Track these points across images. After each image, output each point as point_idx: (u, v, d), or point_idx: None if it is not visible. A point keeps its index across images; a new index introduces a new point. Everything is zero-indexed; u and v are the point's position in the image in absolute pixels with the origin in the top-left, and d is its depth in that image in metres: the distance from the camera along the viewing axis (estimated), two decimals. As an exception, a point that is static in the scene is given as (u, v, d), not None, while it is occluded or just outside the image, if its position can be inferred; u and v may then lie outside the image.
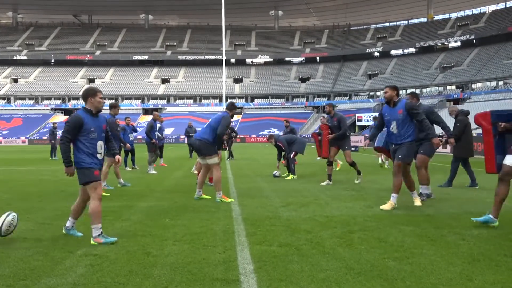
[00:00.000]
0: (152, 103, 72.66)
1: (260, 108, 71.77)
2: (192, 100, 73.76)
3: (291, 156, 11.11)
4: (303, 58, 79.29)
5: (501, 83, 56.28)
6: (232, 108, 7.53)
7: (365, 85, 69.31)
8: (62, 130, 4.83)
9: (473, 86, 59.27)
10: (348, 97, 69.39)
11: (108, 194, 7.93)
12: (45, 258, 3.91)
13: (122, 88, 73.68)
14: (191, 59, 78.40)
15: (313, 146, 13.49)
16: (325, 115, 10.58)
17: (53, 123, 22.74)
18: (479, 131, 5.68)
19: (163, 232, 4.89)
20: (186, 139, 23.18)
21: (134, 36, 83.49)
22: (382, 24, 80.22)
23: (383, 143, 7.21)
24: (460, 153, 8.94)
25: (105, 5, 78.89)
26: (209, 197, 7.41)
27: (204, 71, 77.75)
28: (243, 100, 72.79)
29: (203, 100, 73.79)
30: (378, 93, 64.74)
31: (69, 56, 77.97)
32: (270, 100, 73.18)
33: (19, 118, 67.25)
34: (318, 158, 14.94)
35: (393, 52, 74.14)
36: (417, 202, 6.60)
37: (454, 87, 61.13)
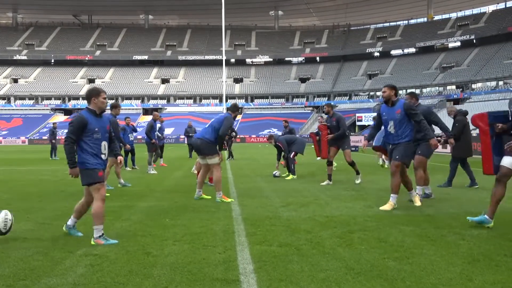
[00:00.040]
0: (152, 103, 72.67)
1: (260, 108, 71.79)
2: (192, 100, 73.78)
3: (291, 156, 11.12)
4: (303, 58, 79.31)
5: (501, 83, 56.31)
6: (235, 109, 7.54)
7: (365, 85, 69.33)
8: (66, 131, 4.79)
9: (473, 86, 59.29)
10: (348, 97, 69.42)
11: (108, 194, 7.90)
12: (45, 258, 3.91)
13: (122, 88, 73.67)
14: (191, 59, 78.42)
15: (312, 146, 13.51)
16: (323, 116, 10.59)
17: (53, 123, 22.77)
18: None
19: (163, 232, 4.89)
20: (186, 139, 23.17)
21: (134, 36, 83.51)
22: (382, 24, 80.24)
23: (381, 142, 7.19)
24: (459, 153, 8.93)
25: (105, 5, 78.91)
26: (209, 197, 7.41)
27: (204, 71, 77.77)
28: (243, 100, 72.75)
29: (203, 100, 73.81)
30: (378, 93, 64.57)
31: (69, 56, 77.99)
32: (270, 100, 73.19)
33: (19, 118, 67.26)
34: (318, 158, 14.94)
35: (393, 52, 74.17)
36: (417, 202, 6.59)
37: (454, 87, 61.15)
